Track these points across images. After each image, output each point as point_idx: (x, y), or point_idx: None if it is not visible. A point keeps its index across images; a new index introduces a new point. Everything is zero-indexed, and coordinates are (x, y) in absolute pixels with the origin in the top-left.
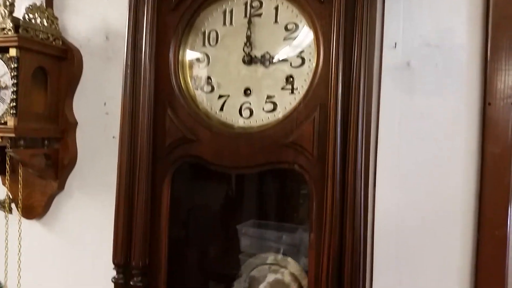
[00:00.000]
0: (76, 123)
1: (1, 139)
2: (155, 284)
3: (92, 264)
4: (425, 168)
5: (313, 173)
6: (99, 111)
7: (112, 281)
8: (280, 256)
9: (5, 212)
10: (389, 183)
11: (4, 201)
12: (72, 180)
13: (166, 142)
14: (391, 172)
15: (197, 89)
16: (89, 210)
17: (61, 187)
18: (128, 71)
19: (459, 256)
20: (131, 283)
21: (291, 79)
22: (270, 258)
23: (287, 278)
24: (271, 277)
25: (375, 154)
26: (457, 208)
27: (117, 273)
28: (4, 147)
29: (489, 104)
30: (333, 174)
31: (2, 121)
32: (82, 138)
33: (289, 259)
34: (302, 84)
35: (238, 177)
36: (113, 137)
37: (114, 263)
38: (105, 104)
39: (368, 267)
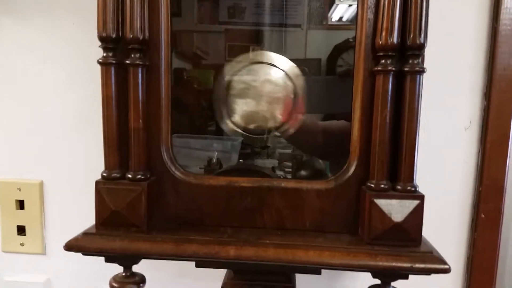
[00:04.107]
0: None
1: None
2: (157, 62)
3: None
4: None
5: None
6: None
7: (99, 62)
8: None
9: None
10: None
11: None
12: None
13: None
14: None
15: None
16: (27, 34)
17: None
18: None
19: None
20: (128, 61)
21: None
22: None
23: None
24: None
25: None
26: None
27: (105, 50)
28: None
29: None
30: None
31: None
32: None
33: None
34: None
35: None
36: None
37: (101, 38)
38: None
39: None
